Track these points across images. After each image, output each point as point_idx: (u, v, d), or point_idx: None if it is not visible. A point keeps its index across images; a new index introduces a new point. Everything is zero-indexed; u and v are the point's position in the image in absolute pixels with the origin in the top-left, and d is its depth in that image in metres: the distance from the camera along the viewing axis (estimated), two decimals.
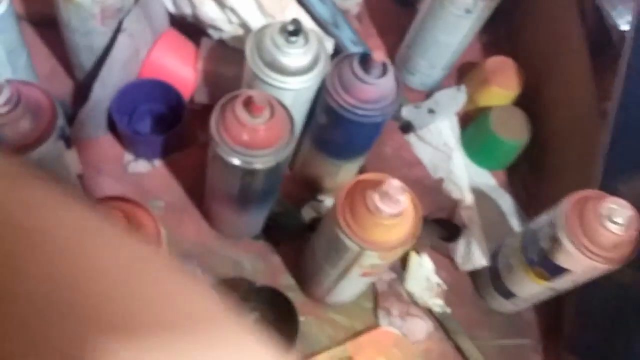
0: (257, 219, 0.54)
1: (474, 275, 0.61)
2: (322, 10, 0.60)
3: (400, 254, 0.44)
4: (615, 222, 0.45)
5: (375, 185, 0.40)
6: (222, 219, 0.54)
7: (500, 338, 0.59)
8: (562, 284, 0.51)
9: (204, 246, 0.56)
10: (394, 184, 0.39)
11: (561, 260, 0.48)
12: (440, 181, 0.63)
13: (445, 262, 0.61)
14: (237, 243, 0.57)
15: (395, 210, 0.40)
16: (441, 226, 0.61)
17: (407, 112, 0.65)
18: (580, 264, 0.47)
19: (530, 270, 0.52)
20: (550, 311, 0.61)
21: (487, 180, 0.66)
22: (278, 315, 0.51)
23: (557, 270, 0.49)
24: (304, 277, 0.55)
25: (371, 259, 0.42)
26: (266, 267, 0.56)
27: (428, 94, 0.69)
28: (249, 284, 0.51)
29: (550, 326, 0.60)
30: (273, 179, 0.48)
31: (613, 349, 0.54)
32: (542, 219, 0.50)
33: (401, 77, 0.60)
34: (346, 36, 0.60)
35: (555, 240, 0.47)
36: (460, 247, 0.59)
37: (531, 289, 0.54)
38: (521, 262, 0.53)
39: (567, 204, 0.48)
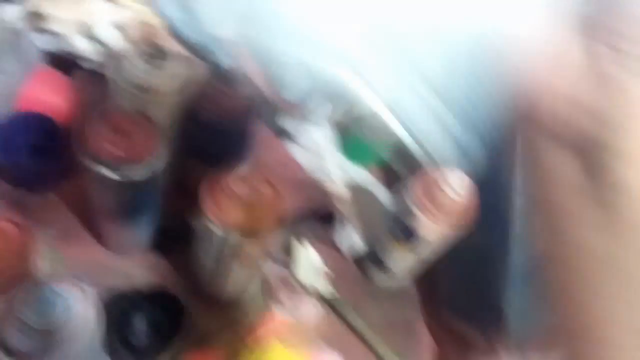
0: (143, 231, 0.58)
1: (358, 259, 0.67)
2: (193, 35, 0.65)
3: (270, 239, 0.49)
4: (453, 190, 0.53)
5: (237, 176, 0.46)
6: (109, 234, 0.57)
7: (388, 314, 0.65)
8: (424, 251, 0.58)
9: (95, 264, 0.58)
10: (242, 171, 0.45)
11: (414, 227, 0.55)
12: (317, 179, 0.69)
13: (331, 250, 0.67)
14: (128, 257, 0.60)
15: (250, 195, 0.45)
16: (322, 218, 0.67)
17: (282, 120, 0.72)
18: (430, 230, 0.54)
19: (396, 243, 0.59)
20: (429, 282, 0.68)
21: (363, 175, 0.73)
22: (171, 317, 0.54)
23: (414, 237, 0.56)
24: (195, 278, 0.58)
25: (240, 244, 0.47)
26: (158, 277, 0.59)
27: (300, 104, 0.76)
28: (137, 293, 0.54)
29: (431, 295, 0.68)
30: (150, 190, 0.52)
31: (479, 301, 0.62)
32: (400, 196, 0.58)
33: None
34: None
35: (405, 209, 0.55)
36: (340, 233, 0.65)
37: (403, 260, 0.61)
38: (387, 236, 0.60)
39: (415, 179, 0.55)
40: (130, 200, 0.50)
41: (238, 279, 0.56)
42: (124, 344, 0.52)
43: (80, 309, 0.43)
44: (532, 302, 0.56)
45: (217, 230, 0.47)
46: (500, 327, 0.59)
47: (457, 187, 0.53)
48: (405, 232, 0.57)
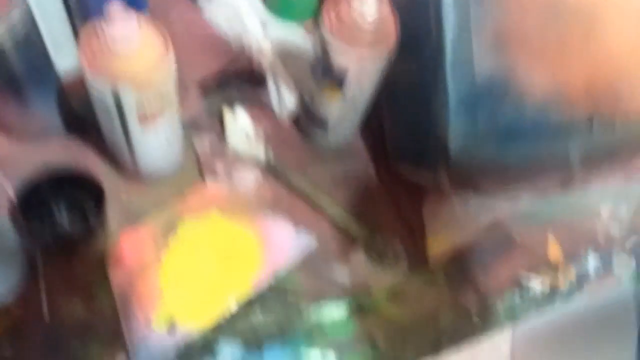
0: (46, 111, 0.53)
1: (294, 118, 0.63)
2: None
3: (156, 89, 0.44)
4: (364, 6, 0.47)
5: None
6: (10, 119, 0.53)
7: (333, 172, 0.62)
8: (352, 90, 0.53)
9: (4, 154, 0.55)
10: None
11: (335, 61, 0.50)
12: (237, 38, 0.63)
13: (265, 113, 0.63)
14: (41, 142, 0.56)
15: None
16: (250, 80, 0.62)
17: None
18: (350, 57, 0.49)
19: (324, 88, 0.54)
20: (375, 133, 0.64)
21: (293, 31, 0.67)
22: (85, 193, 0.51)
23: (338, 74, 0.51)
24: (111, 156, 0.55)
25: (129, 97, 0.43)
26: (78, 161, 0.55)
27: None
28: (54, 178, 0.50)
29: (377, 146, 0.64)
30: (26, 54, 0.46)
31: (424, 140, 0.58)
32: (318, 35, 0.52)
33: None
34: None
35: (323, 42, 0.49)
36: (271, 93, 0.60)
37: (334, 108, 0.56)
38: (315, 85, 0.55)
39: (325, 7, 0.49)
40: (7, 69, 0.45)
41: (157, 149, 0.52)
42: (50, 235, 0.50)
43: None
44: (475, 134, 0.52)
45: (101, 86, 0.42)
46: (446, 163, 0.55)
47: (368, 3, 0.47)
48: (329, 73, 0.52)
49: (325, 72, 0.52)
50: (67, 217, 0.52)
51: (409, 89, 0.56)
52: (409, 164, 0.61)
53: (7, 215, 0.49)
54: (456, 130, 0.52)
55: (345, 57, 0.50)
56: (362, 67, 0.51)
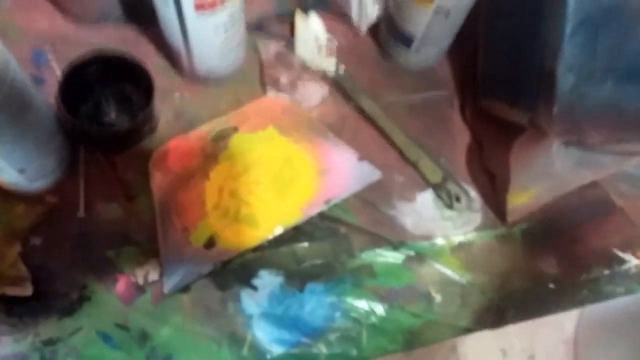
0: None
1: (374, 32, 0.55)
2: None
3: None
4: None
5: None
6: (71, 1, 0.49)
7: (409, 98, 0.55)
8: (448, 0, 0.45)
9: (58, 35, 0.51)
10: None
11: None
12: None
13: (343, 26, 0.56)
14: (97, 28, 0.52)
15: None
16: None
17: None
18: None
19: None
20: (464, 61, 0.56)
21: None
22: (135, 86, 0.47)
23: None
24: (167, 51, 0.50)
25: None
26: (133, 52, 0.51)
27: None
28: (96, 55, 0.46)
29: (466, 76, 0.56)
30: None
31: (526, 70, 0.49)
32: None
33: None
34: None
35: None
36: (352, 1, 0.53)
37: (421, 19, 0.48)
38: None
39: None
40: None
41: (209, 42, 0.47)
42: (94, 125, 0.47)
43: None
44: (591, 68, 0.43)
45: None
46: (551, 102, 0.46)
47: None
48: None
49: None
50: (114, 108, 0.48)
51: (515, 3, 0.47)
52: (502, 100, 0.53)
53: (53, 100, 0.46)
54: (569, 60, 0.43)
55: None
56: None
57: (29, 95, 0.37)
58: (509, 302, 0.50)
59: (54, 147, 0.43)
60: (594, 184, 0.53)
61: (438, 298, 0.49)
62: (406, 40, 0.51)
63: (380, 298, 0.48)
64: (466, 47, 0.55)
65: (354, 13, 0.54)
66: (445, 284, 0.50)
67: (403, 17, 0.49)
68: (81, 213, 0.46)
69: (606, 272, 0.52)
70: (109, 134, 0.47)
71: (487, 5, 0.49)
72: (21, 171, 0.41)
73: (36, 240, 0.45)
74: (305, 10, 0.54)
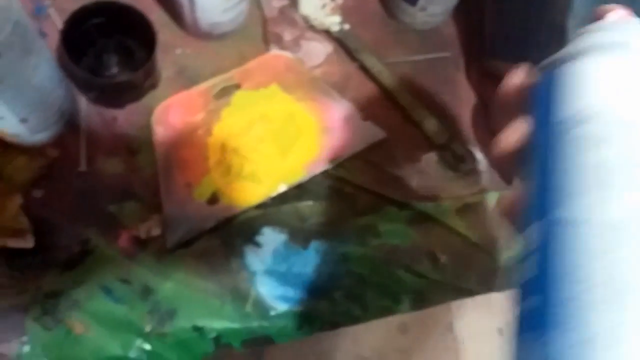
0: None
1: None
2: None
3: None
4: None
5: None
6: None
7: (413, 55, 0.54)
8: None
9: None
10: None
11: None
12: None
13: None
14: None
15: None
16: None
17: None
18: None
19: None
20: (471, 21, 0.55)
21: None
22: (137, 35, 0.46)
23: None
24: (170, 5, 0.50)
25: None
26: (135, 3, 0.50)
27: None
28: (99, 5, 0.45)
29: (472, 36, 0.55)
30: None
31: (535, 31, 0.49)
32: None
33: None
34: None
35: None
36: None
37: None
38: None
39: None
40: None
41: (217, 6, 0.46)
42: (95, 78, 0.46)
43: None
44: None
45: None
46: None
47: None
48: None
49: None
50: (115, 61, 0.48)
51: None
52: (509, 60, 0.52)
53: (54, 52, 0.46)
54: (580, 13, 0.42)
55: None
56: None
57: (32, 39, 0.37)
58: (512, 264, 0.50)
59: (56, 97, 0.43)
60: None
61: (443, 258, 0.49)
62: None
63: (385, 257, 0.48)
64: (472, 6, 0.54)
65: None
66: (450, 244, 0.50)
67: None
68: (83, 167, 0.45)
69: None
70: (110, 85, 0.47)
71: None
72: (23, 121, 0.40)
73: (37, 193, 0.44)
74: None
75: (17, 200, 0.43)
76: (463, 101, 0.54)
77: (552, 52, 0.46)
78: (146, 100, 0.49)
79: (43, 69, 0.39)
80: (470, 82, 0.55)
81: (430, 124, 0.51)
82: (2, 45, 0.34)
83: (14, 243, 0.42)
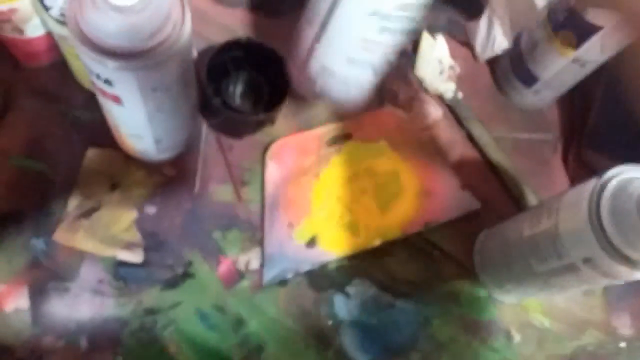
0: None
1: (494, 64, 0.58)
2: None
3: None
4: None
5: None
6: None
7: (516, 133, 0.57)
8: (589, 52, 0.48)
9: (196, 12, 0.53)
10: None
11: (589, 14, 0.44)
12: None
13: (463, 51, 0.58)
14: (232, 11, 0.55)
15: None
16: (460, 4, 0.57)
17: None
18: (609, 17, 0.43)
19: (555, 39, 0.49)
20: (576, 109, 0.58)
21: None
22: (268, 74, 0.49)
23: (585, 30, 0.45)
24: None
25: None
26: (259, 38, 0.53)
27: None
28: (236, 41, 0.48)
29: (575, 124, 0.58)
30: None
31: (633, 137, 0.51)
32: None
33: None
34: None
35: None
36: (480, 29, 0.55)
37: (555, 64, 0.51)
38: (546, 31, 0.50)
39: None
40: None
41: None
42: (222, 109, 0.49)
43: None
44: None
45: None
46: None
47: None
48: (570, 21, 0.46)
49: (567, 22, 0.47)
50: (240, 92, 0.51)
51: None
52: (606, 157, 0.55)
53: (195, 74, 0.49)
54: None
55: (603, 14, 0.44)
56: (618, 33, 0.44)
57: (192, 71, 0.40)
58: (581, 353, 0.52)
59: (190, 122, 0.45)
60: None
61: (517, 337, 0.51)
62: (529, 81, 0.54)
63: (464, 327, 0.50)
64: (578, 94, 0.57)
65: (479, 42, 0.56)
66: (525, 325, 0.52)
67: (535, 57, 0.52)
68: (197, 189, 0.48)
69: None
70: (239, 118, 0.49)
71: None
72: (157, 141, 0.43)
73: (151, 209, 0.47)
74: (433, 33, 0.56)
75: (132, 214, 0.46)
76: (556, 185, 0.56)
77: None
78: (261, 134, 0.51)
79: (193, 98, 0.42)
80: (566, 169, 0.57)
81: (527, 200, 0.54)
82: (172, 80, 0.36)
83: (124, 255, 0.45)
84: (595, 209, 0.37)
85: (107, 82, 0.35)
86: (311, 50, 0.48)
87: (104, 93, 0.37)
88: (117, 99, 0.37)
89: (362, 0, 0.41)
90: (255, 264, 0.48)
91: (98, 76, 0.35)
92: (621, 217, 0.36)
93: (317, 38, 0.46)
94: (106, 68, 0.33)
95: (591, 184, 0.39)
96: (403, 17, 0.41)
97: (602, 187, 0.38)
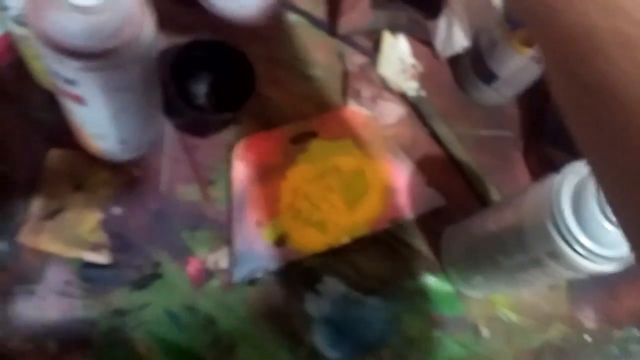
0: None
1: (454, 62, 0.61)
2: None
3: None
4: None
5: None
6: None
7: (478, 130, 0.60)
8: None
9: (158, 12, 0.54)
10: None
11: None
12: None
13: (424, 50, 0.61)
14: (195, 11, 0.56)
15: None
16: (420, 4, 0.59)
17: None
18: None
19: (513, 38, 0.51)
20: (535, 106, 0.61)
21: None
22: (232, 73, 0.51)
23: None
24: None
25: None
26: (222, 37, 0.55)
27: None
28: (199, 40, 0.50)
29: (534, 121, 0.61)
30: None
31: None
32: None
33: None
34: None
35: None
36: (440, 28, 0.58)
37: (514, 62, 0.54)
38: (504, 29, 0.53)
39: None
40: None
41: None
42: (187, 108, 0.50)
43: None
44: None
45: None
46: None
47: None
48: None
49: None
50: (204, 92, 0.52)
51: None
52: (566, 152, 0.58)
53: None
54: None
55: None
56: None
57: (154, 72, 0.41)
58: (547, 347, 0.54)
59: (154, 121, 0.46)
60: None
61: (485, 332, 0.54)
62: (489, 78, 0.57)
63: (433, 323, 0.52)
64: (537, 92, 0.60)
65: (439, 41, 0.59)
66: (493, 320, 0.55)
67: (493, 56, 0.55)
68: (163, 189, 0.49)
69: (636, 332, 0.57)
70: (203, 117, 0.50)
71: None
72: (121, 141, 0.44)
73: (116, 210, 0.48)
74: (395, 32, 0.58)
75: (97, 214, 0.46)
76: (518, 180, 0.59)
77: None
78: (226, 133, 0.52)
79: (157, 98, 0.43)
80: (527, 164, 0.60)
81: (492, 196, 0.56)
82: (135, 80, 0.37)
83: (90, 256, 0.45)
84: (557, 203, 0.40)
85: (70, 82, 0.36)
86: None
87: (67, 93, 0.38)
88: (80, 100, 0.38)
89: None
90: (224, 263, 0.49)
91: (60, 77, 0.36)
92: (582, 211, 0.39)
93: None
94: (69, 69, 0.34)
95: (552, 179, 0.41)
96: None
97: (562, 182, 0.40)
